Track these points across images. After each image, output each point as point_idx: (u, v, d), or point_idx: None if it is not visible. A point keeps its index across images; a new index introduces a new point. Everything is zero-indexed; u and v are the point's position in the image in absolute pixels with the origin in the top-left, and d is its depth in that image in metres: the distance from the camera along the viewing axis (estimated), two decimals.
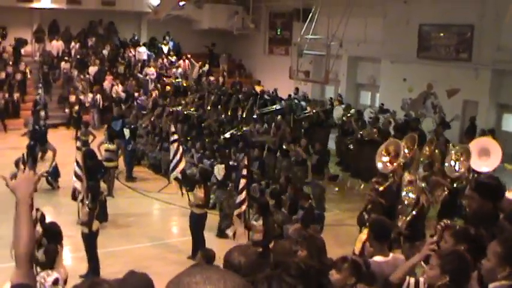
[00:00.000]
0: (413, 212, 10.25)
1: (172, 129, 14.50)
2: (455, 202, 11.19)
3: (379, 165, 11.07)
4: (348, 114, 20.38)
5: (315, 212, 12.24)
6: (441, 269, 4.51)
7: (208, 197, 12.65)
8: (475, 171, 10.86)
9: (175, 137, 13.96)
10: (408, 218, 9.99)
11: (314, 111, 21.82)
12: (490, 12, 19.04)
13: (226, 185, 14.42)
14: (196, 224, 12.30)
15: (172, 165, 13.55)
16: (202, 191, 12.21)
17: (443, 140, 16.23)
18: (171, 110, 21.79)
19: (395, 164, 10.88)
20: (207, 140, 18.19)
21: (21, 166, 15.18)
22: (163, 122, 19.95)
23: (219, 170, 14.70)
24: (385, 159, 11.11)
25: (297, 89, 26.07)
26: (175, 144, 13.59)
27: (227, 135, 19.06)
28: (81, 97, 26.51)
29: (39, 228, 8.77)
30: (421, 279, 4.91)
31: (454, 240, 5.28)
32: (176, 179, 13.62)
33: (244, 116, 22.25)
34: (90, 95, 26.64)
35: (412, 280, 4.99)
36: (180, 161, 13.43)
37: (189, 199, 12.49)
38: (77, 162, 12.27)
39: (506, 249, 4.13)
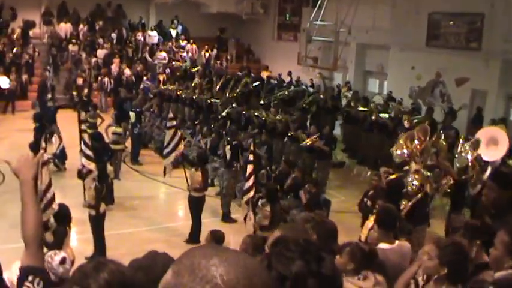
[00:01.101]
0: (418, 196, 10.27)
1: (171, 114, 14.33)
2: (463, 194, 11.12)
3: (397, 152, 11.08)
4: (372, 104, 20.15)
5: (321, 198, 12.24)
6: (440, 260, 4.51)
7: (207, 180, 12.62)
8: (484, 161, 10.79)
9: (174, 123, 13.79)
10: (410, 203, 9.99)
11: (322, 96, 21.76)
12: (501, 1, 18.89)
13: (232, 166, 14.39)
14: (195, 207, 12.36)
15: (167, 151, 13.42)
16: (200, 174, 12.22)
17: (451, 132, 16.12)
18: (178, 94, 21.75)
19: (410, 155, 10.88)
20: (213, 124, 18.18)
21: (43, 144, 15.28)
22: (171, 107, 19.96)
23: (227, 151, 14.68)
24: (405, 151, 11.12)
25: (298, 78, 26.12)
26: (172, 131, 13.43)
27: (224, 113, 19.01)
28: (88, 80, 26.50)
29: (55, 206, 8.81)
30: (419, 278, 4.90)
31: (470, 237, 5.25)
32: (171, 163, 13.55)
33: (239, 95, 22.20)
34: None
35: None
36: (176, 146, 13.30)
37: (187, 183, 12.54)
38: (86, 144, 12.25)
39: None
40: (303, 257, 2.10)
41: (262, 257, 2.22)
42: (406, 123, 16.83)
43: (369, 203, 10.33)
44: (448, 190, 11.23)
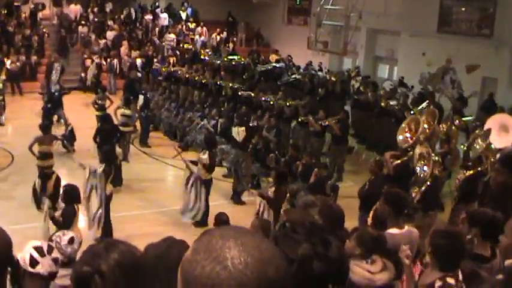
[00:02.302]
0: (428, 183, 10.25)
1: None
2: (475, 186, 10.90)
3: (400, 137, 11.06)
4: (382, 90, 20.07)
5: (330, 183, 12.23)
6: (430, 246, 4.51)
7: (214, 162, 12.61)
8: (498, 149, 10.69)
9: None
10: (423, 188, 9.98)
11: (333, 78, 21.67)
12: None
13: (247, 147, 14.40)
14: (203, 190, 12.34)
15: None
16: (207, 157, 12.21)
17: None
18: (187, 76, 21.70)
19: (414, 138, 10.87)
20: (223, 108, 18.19)
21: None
22: (181, 89, 19.94)
23: (238, 132, 14.68)
24: (408, 134, 11.12)
25: (310, 62, 26.02)
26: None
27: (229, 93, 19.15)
28: (98, 61, 26.41)
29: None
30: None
31: (468, 224, 5.25)
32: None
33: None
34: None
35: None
36: None
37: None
38: None
39: None
40: (309, 239, 2.10)
41: (269, 239, 2.22)
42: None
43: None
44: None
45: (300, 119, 16.95)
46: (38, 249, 4.11)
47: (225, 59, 24.72)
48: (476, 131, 11.92)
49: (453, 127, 14.03)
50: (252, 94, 18.96)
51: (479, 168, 10.81)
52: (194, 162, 12.41)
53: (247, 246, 1.45)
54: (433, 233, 4.57)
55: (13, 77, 24.30)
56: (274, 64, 24.90)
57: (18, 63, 24.73)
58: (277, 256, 1.48)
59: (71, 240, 5.44)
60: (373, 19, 23.12)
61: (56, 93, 18.84)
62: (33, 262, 4.01)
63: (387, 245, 5.16)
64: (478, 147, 10.96)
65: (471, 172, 10.83)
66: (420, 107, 16.63)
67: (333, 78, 21.62)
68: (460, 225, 5.57)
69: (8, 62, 24.33)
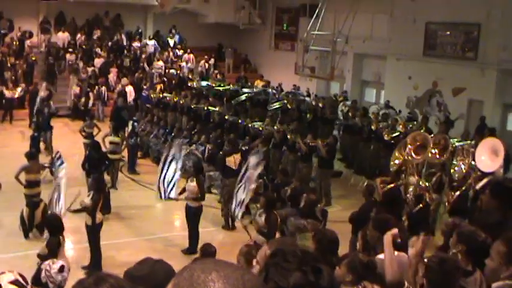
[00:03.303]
0: (417, 208, 10.34)
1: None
2: (464, 204, 11.02)
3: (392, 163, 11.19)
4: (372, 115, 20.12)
5: (320, 207, 12.23)
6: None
7: (203, 189, 12.58)
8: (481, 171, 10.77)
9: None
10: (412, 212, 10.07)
11: (320, 104, 21.74)
12: (497, 12, 18.97)
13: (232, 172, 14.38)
14: (192, 218, 12.31)
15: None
16: (195, 184, 12.19)
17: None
18: (175, 102, 21.72)
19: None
20: (211, 134, 18.19)
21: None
22: (169, 116, 19.97)
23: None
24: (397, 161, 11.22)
25: (295, 86, 26.19)
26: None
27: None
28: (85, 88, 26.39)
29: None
30: None
31: (457, 239, 5.28)
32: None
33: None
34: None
35: None
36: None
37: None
38: None
39: (509, 248, 4.12)
40: (300, 268, 2.10)
41: (260, 269, 2.22)
42: (400, 128, 16.97)
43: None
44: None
45: (289, 140, 16.97)
46: (16, 283, 4.02)
47: (214, 86, 24.74)
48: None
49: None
50: (239, 120, 18.98)
51: (463, 188, 10.93)
52: (183, 190, 12.42)
53: (231, 278, 1.44)
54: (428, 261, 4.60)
55: (8, 105, 24.35)
56: (257, 90, 24.86)
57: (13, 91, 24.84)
58: (260, 285, 1.48)
59: (61, 269, 5.39)
60: (360, 44, 23.33)
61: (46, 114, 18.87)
62: None
63: (377, 271, 5.15)
64: (463, 167, 11.08)
65: (459, 192, 10.92)
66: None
67: (320, 105, 21.71)
68: (451, 240, 5.60)
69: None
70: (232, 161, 15.36)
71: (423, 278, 4.57)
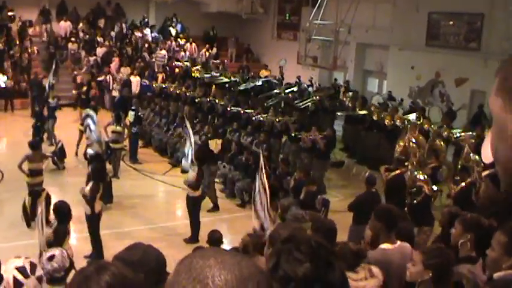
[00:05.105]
0: (415, 201, 10.37)
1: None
2: (468, 197, 11.00)
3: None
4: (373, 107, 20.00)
5: (320, 197, 12.24)
6: (424, 264, 4.53)
7: (201, 180, 12.59)
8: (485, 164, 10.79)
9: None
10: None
11: (316, 97, 21.60)
12: (501, 2, 18.90)
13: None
14: (193, 207, 12.35)
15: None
16: (195, 174, 12.21)
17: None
18: (178, 92, 21.71)
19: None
20: (214, 122, 18.23)
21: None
22: (171, 105, 19.96)
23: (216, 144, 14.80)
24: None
25: (299, 77, 26.11)
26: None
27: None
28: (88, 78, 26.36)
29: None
30: None
31: (462, 228, 5.29)
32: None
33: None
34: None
35: None
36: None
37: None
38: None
39: (510, 238, 4.12)
40: (312, 260, 2.08)
41: (271, 253, 2.20)
42: (398, 122, 16.95)
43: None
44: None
45: (293, 134, 16.94)
46: (21, 270, 4.03)
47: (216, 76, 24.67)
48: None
49: (438, 141, 14.11)
50: (241, 110, 18.95)
51: (469, 179, 10.93)
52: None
53: (227, 264, 1.46)
54: (426, 253, 4.61)
55: (7, 94, 24.30)
56: (262, 79, 24.82)
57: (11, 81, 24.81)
58: (257, 272, 1.49)
59: (51, 258, 5.34)
60: (362, 33, 23.25)
61: (52, 106, 18.89)
62: (18, 284, 3.95)
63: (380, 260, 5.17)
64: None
65: (463, 184, 10.93)
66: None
67: (317, 97, 21.48)
68: (453, 230, 5.61)
69: (3, 79, 24.39)
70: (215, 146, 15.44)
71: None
